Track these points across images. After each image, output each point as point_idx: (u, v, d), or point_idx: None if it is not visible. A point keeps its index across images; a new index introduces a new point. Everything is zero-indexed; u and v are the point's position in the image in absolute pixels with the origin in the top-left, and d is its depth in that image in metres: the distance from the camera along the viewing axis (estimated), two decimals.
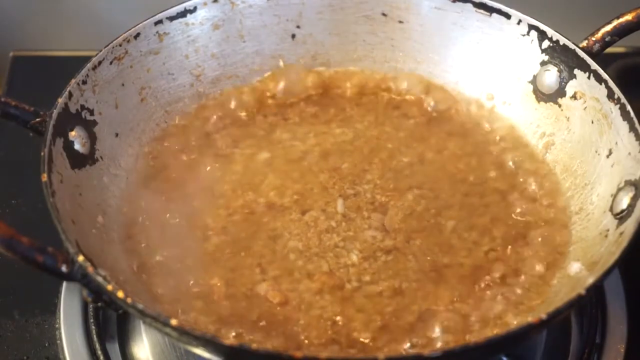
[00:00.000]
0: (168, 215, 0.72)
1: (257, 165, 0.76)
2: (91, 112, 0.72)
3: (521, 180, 0.75)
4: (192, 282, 0.67)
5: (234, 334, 0.64)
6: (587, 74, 0.74)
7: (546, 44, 0.77)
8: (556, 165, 0.76)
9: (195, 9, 0.79)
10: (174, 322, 0.56)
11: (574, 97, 0.75)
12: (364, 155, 0.78)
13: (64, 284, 0.74)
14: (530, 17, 0.78)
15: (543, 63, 0.77)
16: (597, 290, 0.74)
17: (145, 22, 0.77)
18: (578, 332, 0.73)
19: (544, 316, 0.57)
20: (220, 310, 0.66)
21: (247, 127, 0.80)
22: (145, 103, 0.77)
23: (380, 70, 0.84)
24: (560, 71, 0.76)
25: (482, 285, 0.68)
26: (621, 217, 0.66)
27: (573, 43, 0.75)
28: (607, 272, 0.60)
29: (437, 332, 0.65)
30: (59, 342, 0.73)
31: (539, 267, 0.69)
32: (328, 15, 0.83)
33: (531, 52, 0.78)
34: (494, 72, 0.80)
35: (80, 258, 0.59)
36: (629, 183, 0.67)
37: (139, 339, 0.73)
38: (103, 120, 0.73)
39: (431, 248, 0.70)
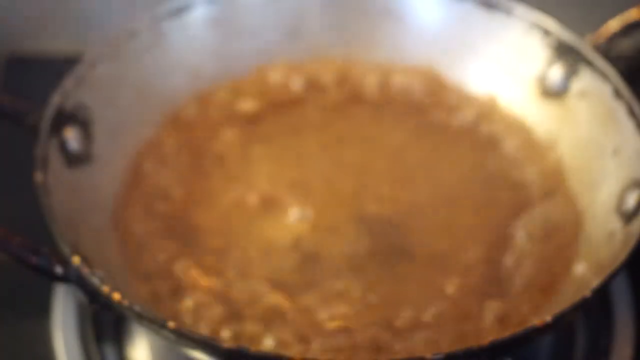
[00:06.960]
0: (165, 214, 0.72)
1: (254, 162, 0.76)
2: (87, 111, 0.72)
3: (526, 179, 0.75)
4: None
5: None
6: (593, 71, 0.73)
7: (551, 41, 0.76)
8: (561, 164, 0.75)
9: (193, 6, 0.79)
10: (171, 324, 0.56)
11: (579, 95, 0.75)
12: (366, 150, 0.77)
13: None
14: (535, 14, 0.77)
15: (548, 61, 0.77)
16: (603, 292, 0.73)
17: (142, 21, 0.77)
18: (583, 335, 0.72)
19: (548, 319, 0.57)
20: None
21: (246, 125, 0.79)
22: (141, 102, 0.77)
23: (381, 68, 0.83)
24: (565, 69, 0.75)
25: (491, 284, 0.67)
26: (628, 217, 0.65)
27: (579, 40, 0.75)
28: (614, 274, 0.59)
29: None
30: (54, 344, 0.72)
31: None
32: (328, 13, 0.83)
33: (536, 49, 0.77)
34: (498, 69, 0.80)
35: (76, 259, 0.58)
36: (635, 182, 0.67)
37: (137, 341, 0.72)
38: (99, 119, 0.72)
39: (440, 244, 0.70)
